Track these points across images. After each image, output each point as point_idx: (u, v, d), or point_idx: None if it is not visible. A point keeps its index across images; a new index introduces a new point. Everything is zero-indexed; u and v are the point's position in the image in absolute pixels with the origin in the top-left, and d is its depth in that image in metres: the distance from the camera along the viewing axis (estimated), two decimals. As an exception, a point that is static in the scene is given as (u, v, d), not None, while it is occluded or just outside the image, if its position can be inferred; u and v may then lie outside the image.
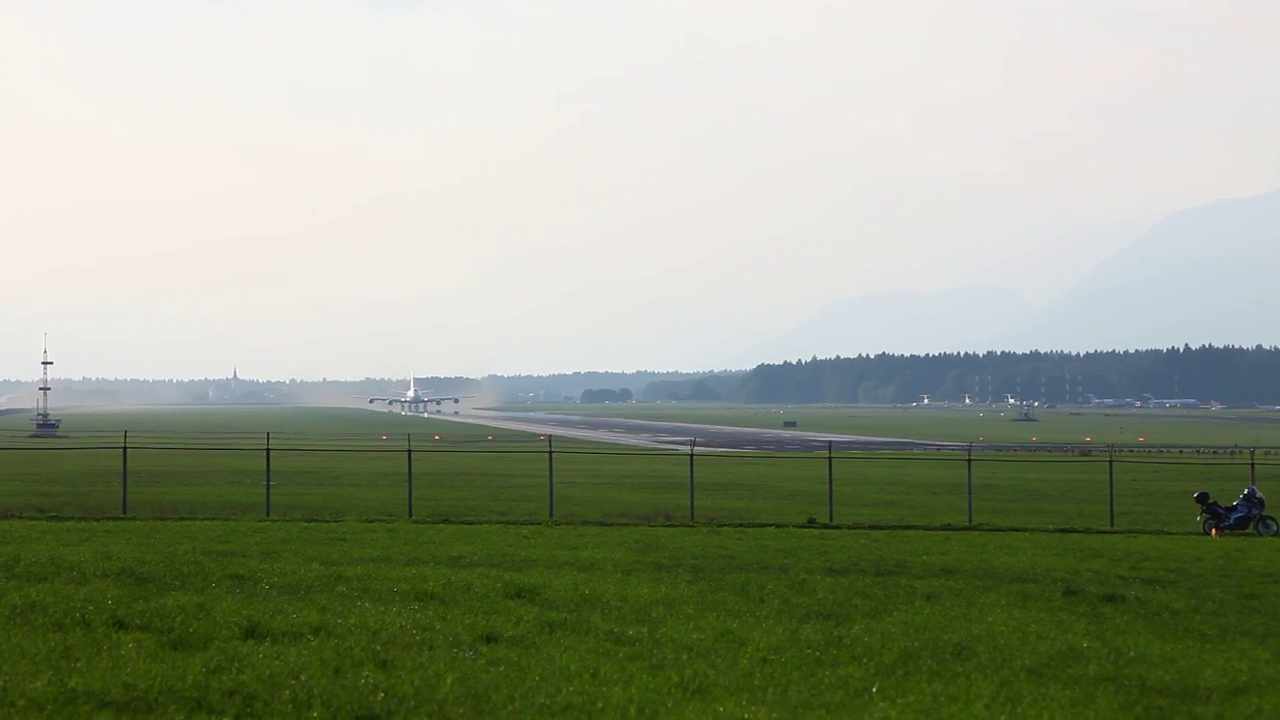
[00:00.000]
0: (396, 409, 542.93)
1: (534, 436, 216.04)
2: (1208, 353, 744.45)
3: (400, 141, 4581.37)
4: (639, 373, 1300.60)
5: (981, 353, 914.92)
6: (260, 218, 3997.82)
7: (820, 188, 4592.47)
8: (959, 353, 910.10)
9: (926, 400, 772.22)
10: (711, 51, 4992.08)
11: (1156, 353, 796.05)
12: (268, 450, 73.58)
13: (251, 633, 25.61)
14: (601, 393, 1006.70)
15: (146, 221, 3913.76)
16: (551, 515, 65.08)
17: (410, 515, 63.70)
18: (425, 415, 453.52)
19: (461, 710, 20.03)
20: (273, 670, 22.09)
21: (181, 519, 59.32)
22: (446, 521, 59.80)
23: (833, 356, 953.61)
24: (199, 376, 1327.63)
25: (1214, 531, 60.31)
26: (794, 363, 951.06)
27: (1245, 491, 61.90)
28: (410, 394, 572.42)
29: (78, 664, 22.36)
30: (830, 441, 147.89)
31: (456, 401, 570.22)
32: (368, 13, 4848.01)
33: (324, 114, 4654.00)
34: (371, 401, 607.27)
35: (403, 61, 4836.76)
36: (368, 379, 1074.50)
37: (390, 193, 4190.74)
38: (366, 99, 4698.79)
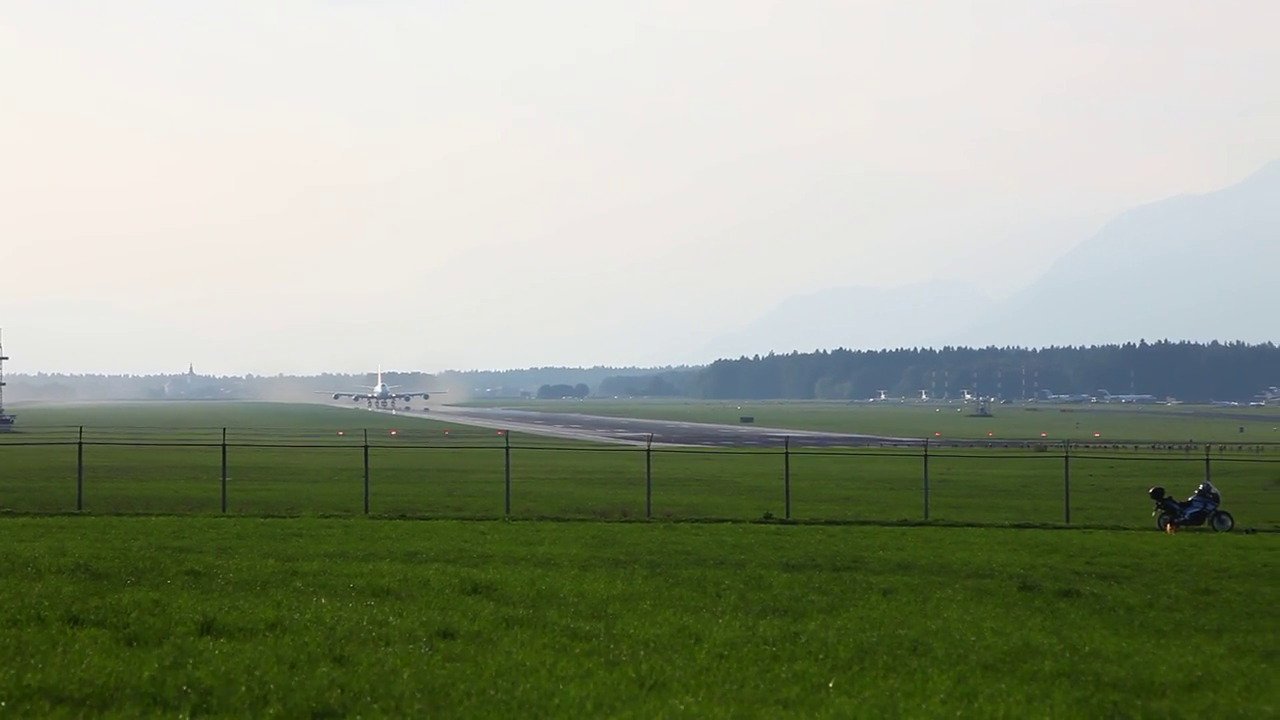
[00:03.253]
0: (363, 405, 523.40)
1: (491, 432, 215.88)
2: (1164, 349, 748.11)
3: (355, 132, 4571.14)
4: (596, 368, 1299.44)
5: (939, 348, 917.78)
6: (212, 209, 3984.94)
7: (779, 183, 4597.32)
8: (916, 348, 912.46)
9: (883, 396, 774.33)
10: (668, 44, 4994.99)
11: (1113, 349, 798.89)
12: (224, 446, 73.37)
13: (207, 628, 25.57)
14: (559, 388, 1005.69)
15: (99, 213, 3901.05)
16: (508, 511, 65.08)
17: (366, 511, 63.59)
18: (394, 412, 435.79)
19: (418, 705, 20.03)
20: (229, 666, 22.06)
21: (137, 515, 59.13)
22: (403, 517, 59.73)
23: (790, 352, 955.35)
24: (155, 371, 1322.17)
25: (1169, 527, 60.53)
26: (751, 358, 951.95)
27: (1200, 487, 62.14)
28: (378, 390, 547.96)
29: (33, 660, 22.29)
30: (787, 437, 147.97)
31: (427, 398, 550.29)
32: (321, 3, 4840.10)
33: (277, 105, 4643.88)
34: (336, 398, 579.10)
35: (358, 52, 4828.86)
36: (324, 374, 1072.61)
37: (343, 184, 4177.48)
38: (321, 90, 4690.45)
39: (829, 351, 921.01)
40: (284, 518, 57.74)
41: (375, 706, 19.93)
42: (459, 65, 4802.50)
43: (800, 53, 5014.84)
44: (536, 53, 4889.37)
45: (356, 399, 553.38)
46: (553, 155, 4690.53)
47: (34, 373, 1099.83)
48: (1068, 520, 64.73)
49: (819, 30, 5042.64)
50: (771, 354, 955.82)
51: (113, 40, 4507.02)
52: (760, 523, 60.23)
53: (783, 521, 61.35)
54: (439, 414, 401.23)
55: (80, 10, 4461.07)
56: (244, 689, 20.57)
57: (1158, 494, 62.04)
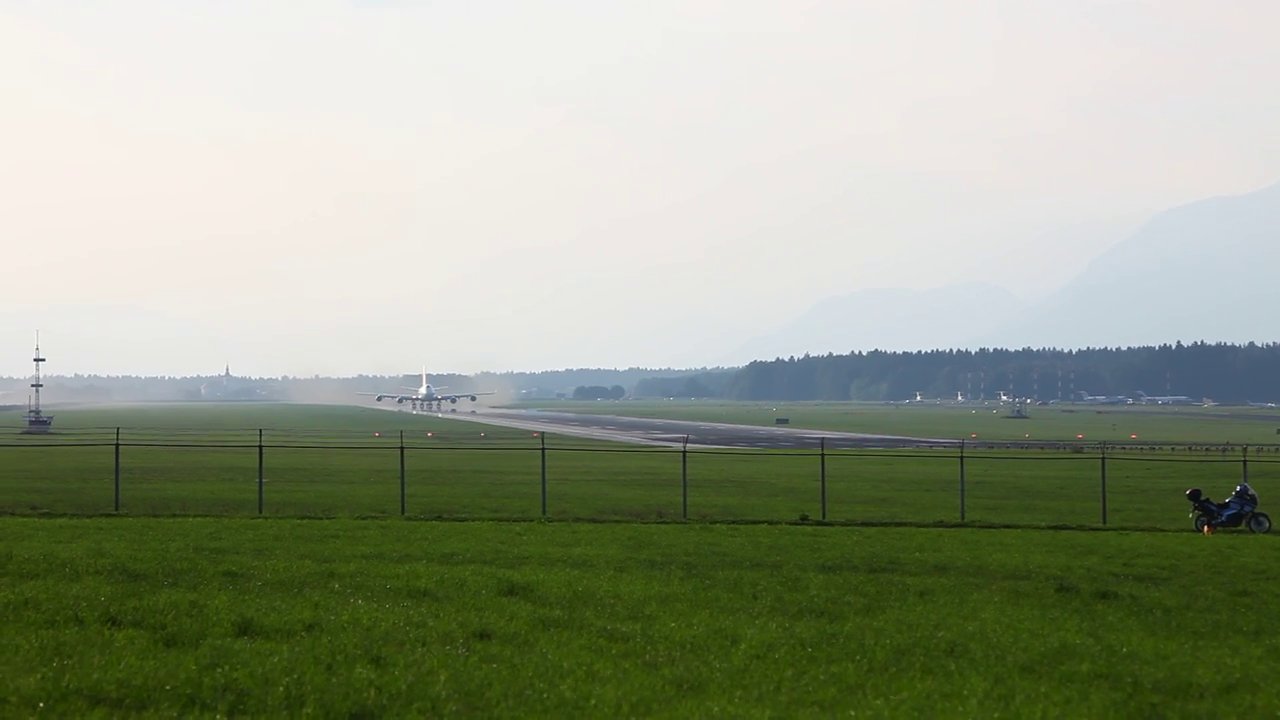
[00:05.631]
0: (407, 407, 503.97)
1: (527, 433, 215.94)
2: (1200, 350, 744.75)
3: (389, 138, 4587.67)
4: (631, 369, 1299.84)
5: (974, 350, 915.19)
6: (249, 215, 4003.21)
7: (811, 184, 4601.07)
8: (951, 350, 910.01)
9: (919, 397, 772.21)
10: (699, 47, 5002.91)
11: (1149, 350, 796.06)
12: (260, 447, 73.44)
13: (244, 630, 25.62)
14: (594, 389, 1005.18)
15: (139, 218, 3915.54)
16: (544, 512, 65.03)
17: (403, 512, 63.62)
18: (440, 414, 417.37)
19: (454, 707, 20.03)
20: (266, 667, 22.08)
21: (174, 516, 59.27)
22: (439, 518, 59.76)
23: (825, 354, 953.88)
24: (191, 373, 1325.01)
25: (1206, 529, 60.33)
26: (786, 360, 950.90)
27: (1237, 489, 61.90)
28: (423, 391, 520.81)
29: (70, 661, 22.35)
30: (823, 438, 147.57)
31: (474, 399, 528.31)
32: (355, 11, 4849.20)
33: (313, 112, 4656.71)
34: (380, 399, 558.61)
35: (391, 59, 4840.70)
36: (360, 376, 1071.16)
37: (380, 190, 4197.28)
38: (355, 97, 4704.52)
39: (864, 353, 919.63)
40: (320, 519, 57.84)
41: (412, 707, 19.95)
42: (491, 71, 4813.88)
43: (829, 56, 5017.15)
44: (568, 57, 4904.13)
45: (401, 400, 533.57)
46: (586, 159, 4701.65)
47: (71, 375, 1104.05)
48: (1105, 522, 64.50)
49: (848, 33, 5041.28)
50: (806, 355, 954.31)
51: (160, 55, 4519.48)
52: (796, 524, 60.12)
53: (819, 523, 61.24)
54: (473, 415, 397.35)
55: (122, 23, 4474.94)
56: (281, 690, 20.60)
57: (1195, 495, 61.84)
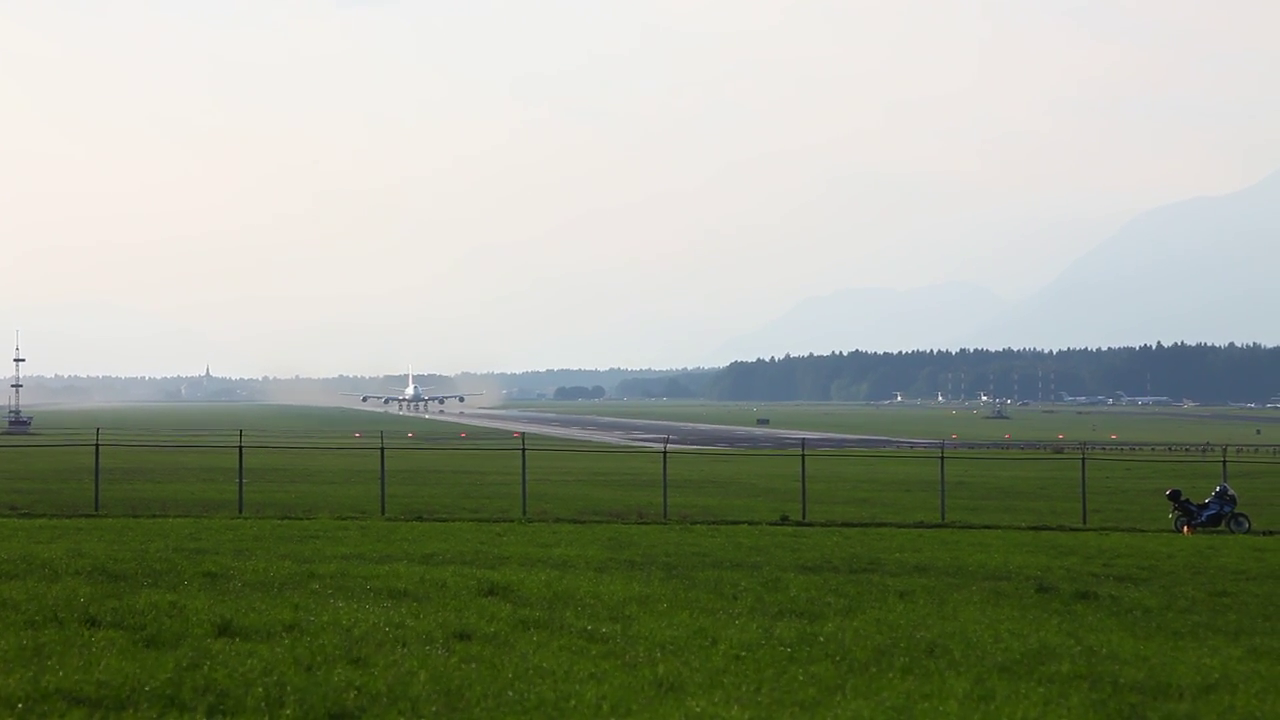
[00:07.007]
0: (393, 408, 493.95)
1: (507, 434, 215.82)
2: (1180, 350, 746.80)
3: (366, 135, 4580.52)
4: (612, 370, 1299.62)
5: (955, 350, 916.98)
6: (228, 212, 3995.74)
7: (792, 183, 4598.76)
8: (932, 350, 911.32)
9: (900, 398, 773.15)
10: (678, 44, 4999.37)
11: (1129, 350, 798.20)
12: (240, 448, 73.32)
13: (224, 630, 25.57)
14: (575, 390, 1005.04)
15: (118, 215, 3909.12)
16: (525, 513, 65.05)
17: (383, 513, 63.58)
18: (427, 416, 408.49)
19: (434, 708, 20.03)
20: (245, 668, 22.06)
21: (154, 516, 59.18)
22: (419, 519, 59.72)
23: (806, 354, 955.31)
24: (171, 373, 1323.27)
25: (1186, 529, 60.45)
26: (767, 360, 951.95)
27: (1217, 489, 62.04)
28: (409, 392, 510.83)
29: (50, 662, 22.30)
30: (803, 439, 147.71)
31: (462, 400, 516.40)
32: (333, 8, 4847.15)
33: (290, 108, 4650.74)
34: (365, 400, 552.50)
35: (368, 55, 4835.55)
36: (340, 375, 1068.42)
37: (357, 187, 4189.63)
38: (335, 93, 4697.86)
39: (845, 353, 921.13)
40: (300, 519, 57.76)
41: (392, 708, 19.94)
42: (471, 68, 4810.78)
43: (811, 53, 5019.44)
44: (548, 54, 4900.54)
45: (387, 402, 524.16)
46: (565, 157, 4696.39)
47: (50, 375, 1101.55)
48: (1084, 522, 64.63)
49: (830, 30, 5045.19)
50: (787, 356, 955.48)
51: (125, 45, 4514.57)
52: (776, 525, 60.15)
53: (799, 523, 61.29)
54: (460, 417, 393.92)
55: (97, 16, 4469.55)
56: (260, 690, 20.58)
57: (1175, 496, 61.97)
